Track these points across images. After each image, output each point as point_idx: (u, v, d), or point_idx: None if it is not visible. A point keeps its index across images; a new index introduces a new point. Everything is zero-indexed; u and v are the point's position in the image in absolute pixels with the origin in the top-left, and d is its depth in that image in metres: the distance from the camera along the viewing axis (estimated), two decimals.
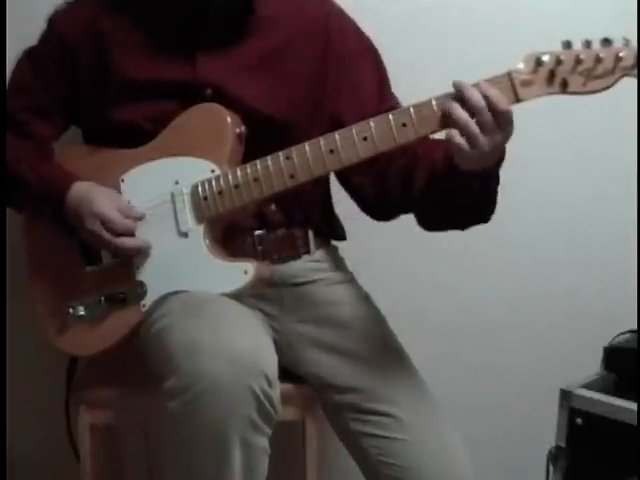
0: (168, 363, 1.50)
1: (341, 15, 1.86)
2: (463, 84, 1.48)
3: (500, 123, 1.47)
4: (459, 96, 1.48)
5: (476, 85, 1.48)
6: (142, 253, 1.70)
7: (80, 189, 1.72)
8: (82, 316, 1.74)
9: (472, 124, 1.47)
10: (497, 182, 1.62)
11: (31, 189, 1.75)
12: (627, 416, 1.84)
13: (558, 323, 2.39)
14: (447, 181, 1.61)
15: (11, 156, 1.76)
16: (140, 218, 1.71)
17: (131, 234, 1.70)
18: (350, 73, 1.81)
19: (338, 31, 1.82)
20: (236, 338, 1.49)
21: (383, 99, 1.81)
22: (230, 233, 1.74)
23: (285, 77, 1.77)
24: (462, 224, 1.71)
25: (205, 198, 1.67)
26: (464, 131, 1.47)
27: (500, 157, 1.57)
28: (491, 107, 1.46)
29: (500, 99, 1.46)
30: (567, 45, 1.44)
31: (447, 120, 1.50)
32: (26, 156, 1.77)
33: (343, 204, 1.91)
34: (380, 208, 1.82)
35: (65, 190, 1.72)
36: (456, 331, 2.37)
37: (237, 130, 1.69)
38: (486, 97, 1.46)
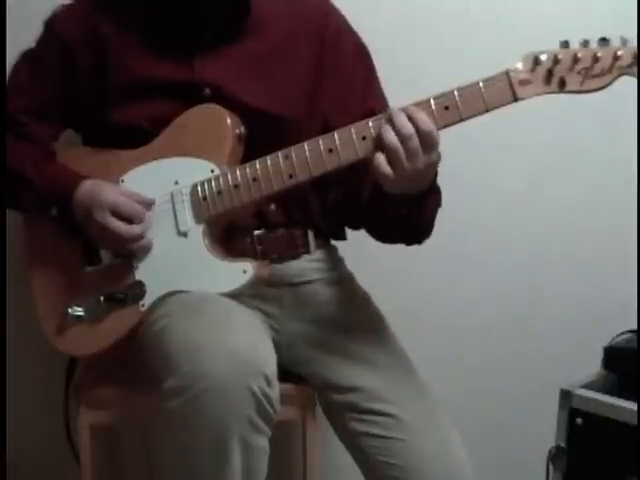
0: (167, 363, 1.50)
1: (338, 16, 1.87)
2: (393, 110, 1.53)
3: (425, 146, 1.50)
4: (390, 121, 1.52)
5: (404, 109, 1.52)
6: (147, 242, 1.70)
7: (88, 187, 1.72)
8: (81, 316, 1.74)
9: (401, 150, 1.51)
10: (416, 208, 1.64)
11: (37, 190, 1.75)
12: (627, 416, 1.83)
13: (558, 323, 2.40)
14: (378, 200, 1.65)
15: (14, 158, 1.77)
16: (151, 203, 1.71)
17: (139, 219, 1.69)
18: (340, 74, 1.82)
19: (335, 33, 1.83)
20: (235, 338, 1.49)
21: (367, 101, 1.81)
22: (230, 233, 1.75)
23: (283, 76, 1.78)
24: (392, 241, 1.80)
25: (204, 198, 1.67)
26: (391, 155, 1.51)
27: (425, 186, 1.60)
28: (418, 129, 1.50)
29: (426, 120, 1.50)
30: (565, 44, 1.45)
31: None
32: (29, 158, 1.78)
33: None
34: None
35: (73, 190, 1.71)
36: (456, 331, 2.37)
37: (237, 131, 1.69)
38: (412, 119, 1.50)
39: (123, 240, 1.69)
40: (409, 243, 1.78)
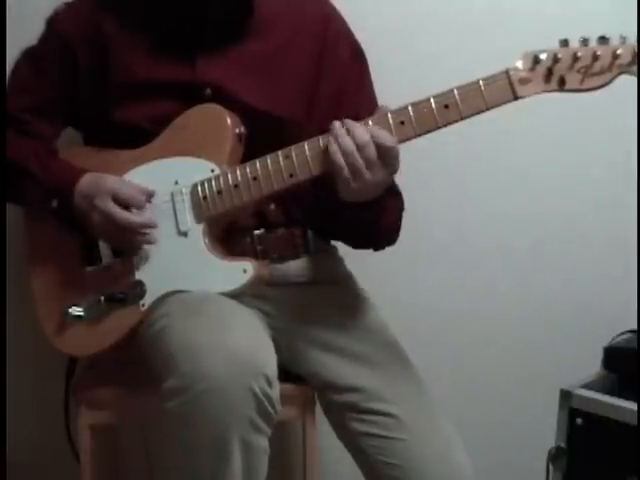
0: (168, 363, 1.50)
1: (338, 19, 1.87)
2: (350, 122, 1.56)
3: (385, 159, 1.53)
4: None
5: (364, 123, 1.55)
6: (147, 235, 1.70)
7: (89, 177, 1.72)
8: (81, 316, 1.74)
9: (357, 156, 1.53)
10: (376, 211, 1.67)
11: (40, 184, 1.75)
12: (627, 416, 1.83)
13: (558, 323, 2.39)
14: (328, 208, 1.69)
15: (17, 153, 1.77)
16: (151, 194, 1.71)
17: (141, 207, 1.70)
18: (337, 77, 1.82)
19: (334, 36, 1.83)
20: (236, 338, 1.50)
21: (357, 105, 1.80)
22: (230, 233, 1.75)
23: (284, 77, 1.78)
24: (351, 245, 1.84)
25: (205, 198, 1.67)
26: (349, 163, 1.53)
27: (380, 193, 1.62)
28: (377, 143, 1.52)
29: (386, 136, 1.53)
30: (564, 43, 1.45)
31: None
32: (33, 153, 1.78)
33: None
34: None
35: (74, 183, 1.71)
36: (456, 330, 2.37)
37: (237, 130, 1.70)
38: (372, 136, 1.53)
39: (123, 228, 1.68)
40: (372, 248, 1.82)
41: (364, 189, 1.56)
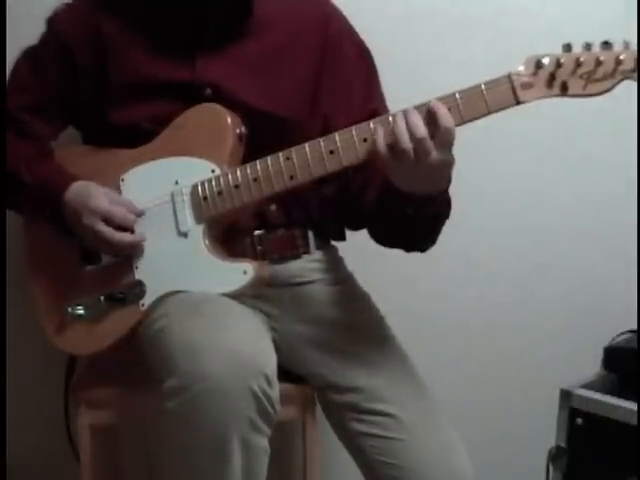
0: (167, 363, 1.50)
1: (340, 18, 1.87)
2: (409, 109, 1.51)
3: (442, 143, 1.48)
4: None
5: (424, 103, 1.50)
6: (139, 249, 1.70)
7: (78, 188, 1.72)
8: (81, 315, 1.74)
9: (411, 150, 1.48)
10: (423, 209, 1.61)
11: (30, 191, 1.75)
12: (627, 416, 1.84)
13: (558, 323, 2.39)
14: (386, 199, 1.64)
15: (11, 157, 1.76)
16: (140, 213, 1.70)
17: (130, 228, 1.69)
18: (341, 75, 1.81)
19: (336, 34, 1.83)
20: (235, 338, 1.49)
21: (368, 103, 1.80)
22: (230, 233, 1.74)
23: (284, 76, 1.77)
24: (405, 246, 1.77)
25: (205, 198, 1.66)
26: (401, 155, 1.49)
27: (440, 187, 1.59)
28: (438, 126, 1.47)
29: (446, 116, 1.47)
30: (567, 48, 1.44)
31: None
32: (25, 157, 1.77)
33: None
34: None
35: (63, 190, 1.71)
36: (456, 330, 2.37)
37: (237, 130, 1.69)
38: (432, 115, 1.48)
39: (115, 247, 1.69)
40: (409, 249, 1.76)
41: (415, 176, 1.53)
